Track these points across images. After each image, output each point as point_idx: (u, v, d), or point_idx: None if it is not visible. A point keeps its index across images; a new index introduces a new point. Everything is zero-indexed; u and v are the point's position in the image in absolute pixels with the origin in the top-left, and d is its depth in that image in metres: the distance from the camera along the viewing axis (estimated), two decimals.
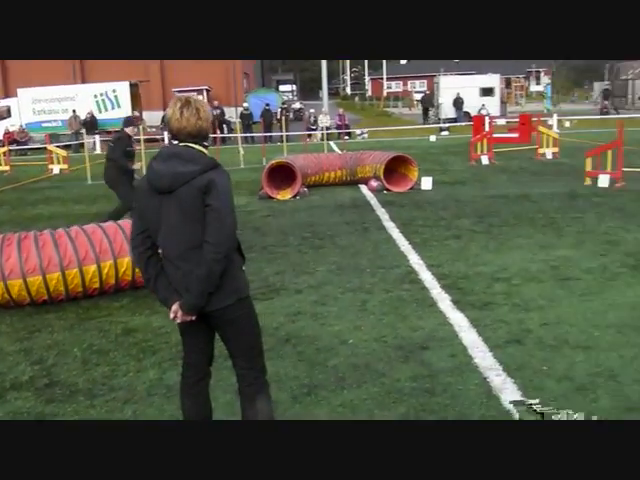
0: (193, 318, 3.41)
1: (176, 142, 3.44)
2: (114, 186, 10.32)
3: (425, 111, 40.58)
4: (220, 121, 31.34)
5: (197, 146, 3.41)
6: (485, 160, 18.27)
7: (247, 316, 3.50)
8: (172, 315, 3.42)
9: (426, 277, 7.25)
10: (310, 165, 14.58)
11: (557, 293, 6.53)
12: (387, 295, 6.71)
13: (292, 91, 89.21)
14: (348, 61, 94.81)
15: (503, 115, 36.92)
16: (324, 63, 35.30)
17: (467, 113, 35.78)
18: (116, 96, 35.55)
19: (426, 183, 13.66)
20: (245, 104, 34.08)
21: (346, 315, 6.19)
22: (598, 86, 64.04)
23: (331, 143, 27.25)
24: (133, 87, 36.31)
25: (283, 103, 33.27)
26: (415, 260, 7.99)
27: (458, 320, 5.88)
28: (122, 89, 35.65)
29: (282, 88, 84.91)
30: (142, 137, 18.20)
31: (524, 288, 6.74)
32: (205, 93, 44.20)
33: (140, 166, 10.70)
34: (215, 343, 3.62)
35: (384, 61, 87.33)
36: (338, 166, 14.87)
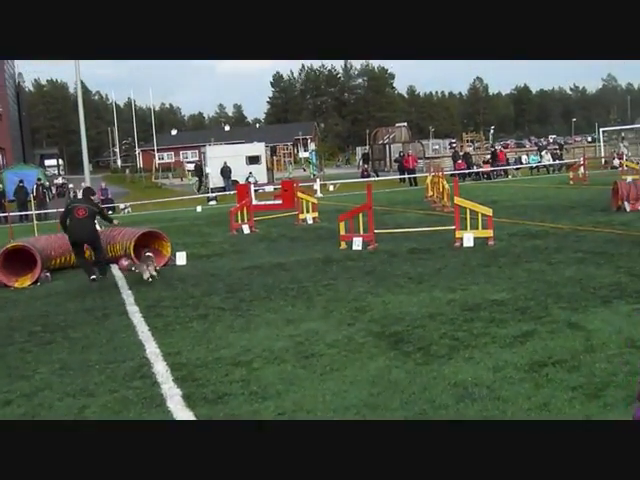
0: None
1: None
2: None
3: (198, 180, 40.52)
4: None
5: None
6: (246, 229, 18.00)
7: None
8: None
9: (160, 369, 6.50)
10: (54, 246, 13.34)
11: (298, 374, 6.07)
12: (111, 397, 5.86)
13: (58, 165, 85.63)
14: (117, 133, 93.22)
15: (270, 182, 37.63)
16: (83, 136, 33.81)
17: (235, 182, 35.93)
18: None
19: (180, 258, 12.99)
20: None
21: None
22: (360, 150, 68.10)
23: None
24: None
25: (39, 179, 31.18)
26: (152, 349, 7.21)
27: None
28: None
29: (48, 162, 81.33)
30: None
31: (265, 371, 6.21)
32: None
33: None
34: None
35: (154, 133, 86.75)
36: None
